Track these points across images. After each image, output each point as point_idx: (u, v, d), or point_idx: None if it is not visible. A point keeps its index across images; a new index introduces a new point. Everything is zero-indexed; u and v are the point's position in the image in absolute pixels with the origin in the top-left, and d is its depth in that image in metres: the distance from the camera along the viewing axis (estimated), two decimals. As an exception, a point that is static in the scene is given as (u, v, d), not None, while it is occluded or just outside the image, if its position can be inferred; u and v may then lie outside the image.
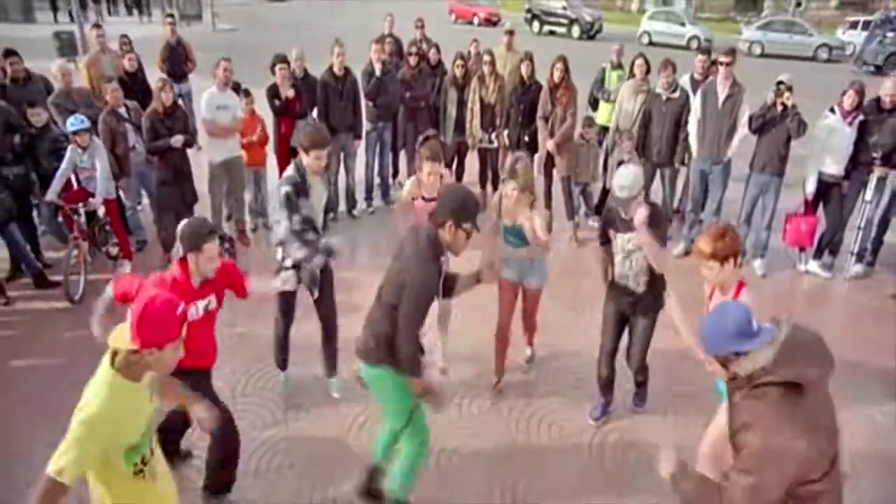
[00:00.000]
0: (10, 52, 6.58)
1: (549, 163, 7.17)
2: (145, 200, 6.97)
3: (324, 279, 4.19)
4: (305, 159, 3.88)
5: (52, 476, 1.99)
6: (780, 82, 5.94)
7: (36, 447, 4.03)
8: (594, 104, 8.47)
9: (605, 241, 4.00)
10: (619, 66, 8.19)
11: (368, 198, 7.94)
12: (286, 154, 6.87)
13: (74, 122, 5.63)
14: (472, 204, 2.94)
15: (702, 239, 3.04)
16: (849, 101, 5.96)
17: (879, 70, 19.71)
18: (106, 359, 2.22)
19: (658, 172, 6.99)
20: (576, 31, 26.32)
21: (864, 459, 3.82)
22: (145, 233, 6.83)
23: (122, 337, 2.16)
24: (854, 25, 25.03)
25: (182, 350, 2.22)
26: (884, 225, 6.39)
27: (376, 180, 7.99)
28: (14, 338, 5.20)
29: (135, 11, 29.61)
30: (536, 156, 7.16)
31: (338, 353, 4.47)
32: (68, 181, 5.83)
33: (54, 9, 27.52)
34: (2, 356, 4.93)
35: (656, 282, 3.87)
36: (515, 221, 4.12)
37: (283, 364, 4.53)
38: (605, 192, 7.36)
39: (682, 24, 24.99)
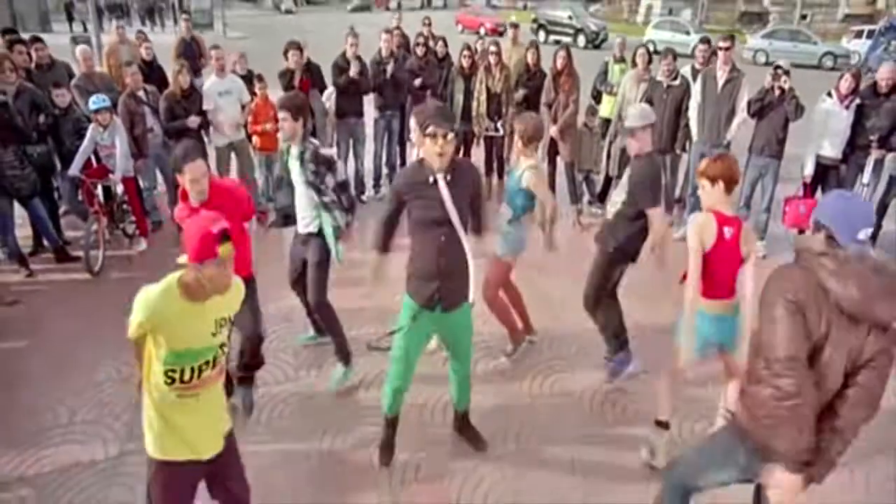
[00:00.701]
0: (35, 39, 6.87)
1: (553, 149, 7.35)
2: (162, 187, 7.19)
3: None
4: None
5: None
6: (777, 66, 6.12)
7: (61, 395, 4.23)
8: (597, 97, 8.66)
9: None
10: (622, 59, 8.37)
11: (377, 185, 8.14)
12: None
13: (96, 101, 5.87)
14: (431, 109, 3.12)
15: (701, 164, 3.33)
16: (845, 84, 6.12)
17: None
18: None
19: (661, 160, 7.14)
20: (581, 40, 26.66)
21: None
22: (160, 213, 7.03)
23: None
24: (859, 34, 25.25)
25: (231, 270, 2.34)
26: (882, 209, 6.52)
27: (384, 169, 8.19)
28: (38, 304, 5.41)
29: (147, 22, 30.24)
30: (540, 143, 7.33)
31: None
32: (89, 159, 6.06)
33: (70, 19, 28.10)
34: (28, 321, 5.15)
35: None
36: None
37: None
38: (608, 179, 7.53)
39: (687, 34, 25.26)
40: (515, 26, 8.75)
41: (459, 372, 3.66)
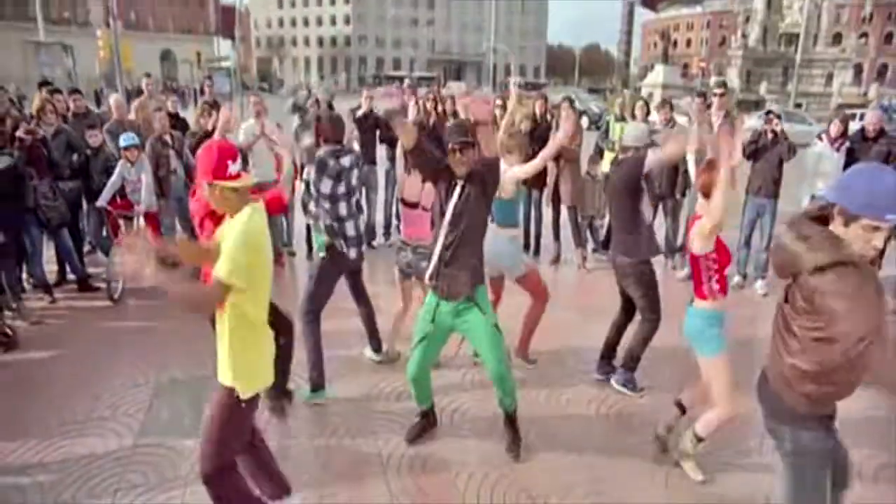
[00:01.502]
0: (74, 90, 7.39)
1: (557, 196, 7.65)
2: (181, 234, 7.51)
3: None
4: None
5: (222, 279, 2.38)
6: (769, 111, 6.49)
7: (80, 397, 4.36)
8: (600, 153, 9.05)
9: None
10: (623, 118, 8.82)
11: (387, 232, 8.42)
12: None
13: (126, 139, 6.27)
14: (451, 128, 3.58)
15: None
16: (835, 128, 6.47)
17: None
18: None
19: (661, 206, 7.43)
20: (585, 121, 27.73)
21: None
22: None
23: None
24: (853, 116, 26.15)
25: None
26: (880, 252, 6.69)
27: (394, 220, 8.49)
28: (61, 324, 5.63)
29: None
30: (545, 191, 7.69)
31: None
32: (115, 194, 6.39)
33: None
34: (51, 336, 5.36)
35: None
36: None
37: None
38: (612, 228, 7.77)
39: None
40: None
41: (490, 371, 3.69)
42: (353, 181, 4.32)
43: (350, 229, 4.32)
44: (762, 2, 47.09)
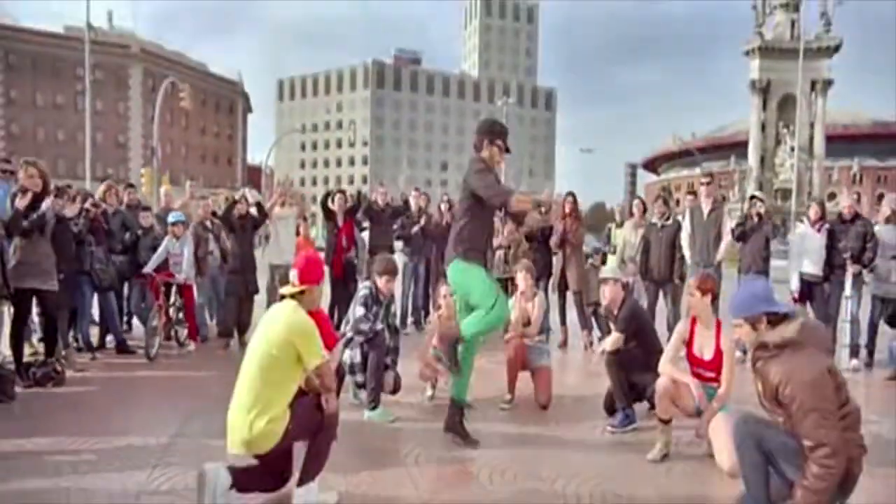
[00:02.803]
0: (129, 185, 8.34)
1: (563, 284, 8.19)
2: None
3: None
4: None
5: (321, 362, 3.09)
6: (753, 196, 7.21)
7: (115, 416, 4.69)
8: (602, 258, 9.70)
9: None
10: (621, 224, 9.58)
11: (402, 324, 8.86)
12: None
13: (175, 216, 7.10)
14: (498, 124, 4.19)
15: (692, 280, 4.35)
16: (813, 212, 7.14)
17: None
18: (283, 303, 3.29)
19: (661, 292, 7.92)
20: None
21: None
22: (208, 331, 7.80)
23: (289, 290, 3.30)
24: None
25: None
26: (873, 329, 7.06)
27: (410, 309, 9.00)
28: (101, 374, 6.06)
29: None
30: (551, 280, 8.25)
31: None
32: (159, 265, 7.05)
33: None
34: (92, 378, 5.82)
35: None
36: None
37: None
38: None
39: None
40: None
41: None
42: None
43: None
44: (756, 161, 50.18)
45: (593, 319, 8.40)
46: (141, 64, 68.68)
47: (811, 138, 48.74)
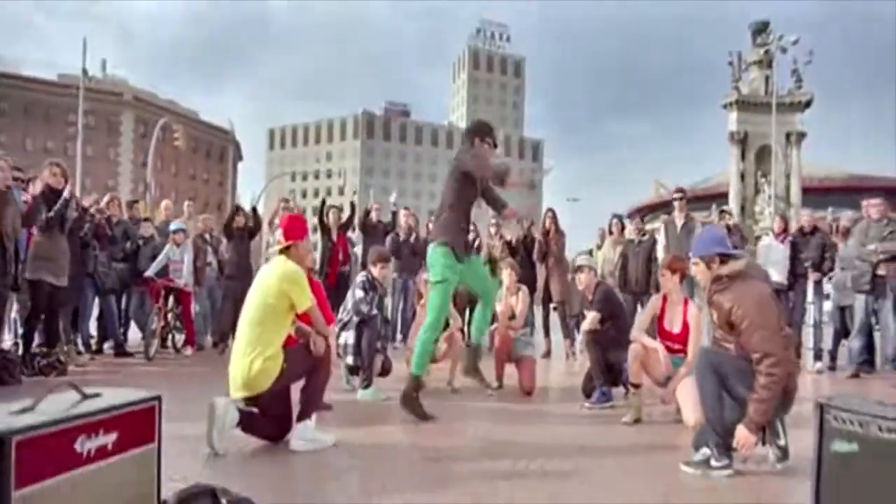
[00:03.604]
0: (133, 201, 8.73)
1: (547, 295, 8.56)
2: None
3: None
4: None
5: (311, 305, 3.46)
6: (722, 210, 7.71)
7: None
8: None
9: None
10: (600, 246, 10.03)
11: (392, 338, 9.15)
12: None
13: (176, 224, 7.48)
14: (485, 124, 4.60)
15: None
16: (777, 225, 7.66)
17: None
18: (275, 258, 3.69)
19: (639, 303, 8.31)
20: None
21: None
22: (203, 339, 8.05)
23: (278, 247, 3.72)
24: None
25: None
26: (837, 335, 7.48)
27: (399, 325, 9.30)
28: (99, 371, 6.26)
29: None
30: (535, 294, 8.62)
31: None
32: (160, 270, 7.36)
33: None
34: (91, 374, 6.04)
35: None
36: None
37: None
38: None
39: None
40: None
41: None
42: None
43: None
44: (737, 208, 51.45)
45: (575, 331, 8.76)
46: (133, 111, 69.66)
47: (787, 188, 50.20)
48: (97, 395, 1.77)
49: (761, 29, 37.71)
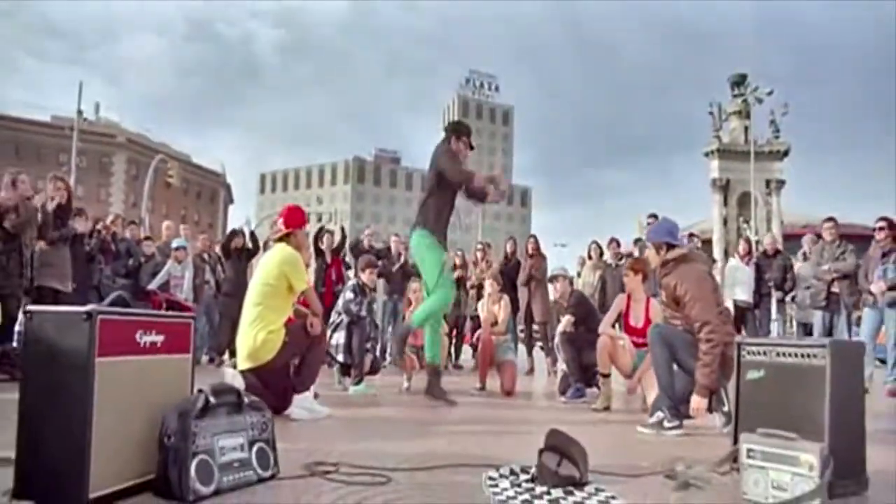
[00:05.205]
0: (132, 222, 9.13)
1: (529, 316, 8.99)
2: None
3: None
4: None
5: (307, 287, 4.00)
6: (691, 234, 8.25)
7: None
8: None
9: None
10: (580, 273, 10.53)
11: (382, 357, 9.49)
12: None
13: (178, 241, 7.88)
14: (463, 124, 5.08)
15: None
16: (742, 247, 8.20)
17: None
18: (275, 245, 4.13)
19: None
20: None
21: None
22: (200, 355, 8.36)
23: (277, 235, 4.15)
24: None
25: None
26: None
27: (389, 346, 9.64)
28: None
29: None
30: (518, 314, 9.05)
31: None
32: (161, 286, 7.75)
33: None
34: None
35: None
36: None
37: None
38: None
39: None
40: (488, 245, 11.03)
41: None
42: None
43: None
44: (720, 253, 52.36)
45: (557, 350, 9.15)
46: (125, 152, 70.35)
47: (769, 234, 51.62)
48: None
49: (739, 81, 39.28)
